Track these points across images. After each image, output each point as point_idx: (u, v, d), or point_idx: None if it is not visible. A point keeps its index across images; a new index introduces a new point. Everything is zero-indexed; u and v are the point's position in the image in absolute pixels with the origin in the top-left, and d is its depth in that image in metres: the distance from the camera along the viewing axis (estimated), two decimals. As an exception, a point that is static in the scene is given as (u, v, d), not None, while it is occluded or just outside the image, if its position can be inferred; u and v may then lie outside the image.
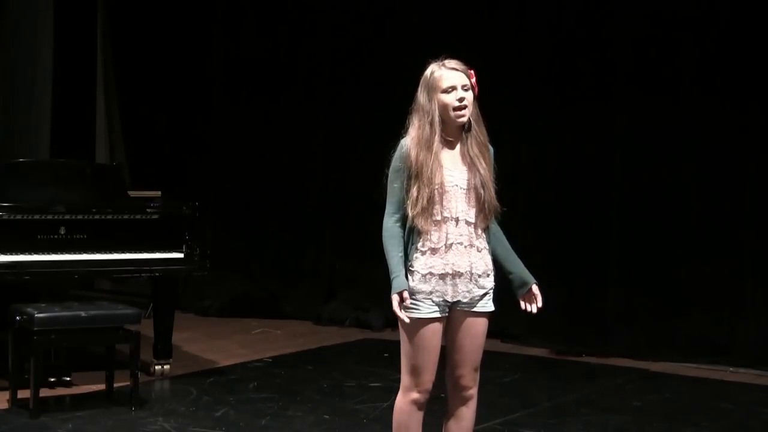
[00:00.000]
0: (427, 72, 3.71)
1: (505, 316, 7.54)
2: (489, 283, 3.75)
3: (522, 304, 3.81)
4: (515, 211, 7.54)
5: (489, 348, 7.53)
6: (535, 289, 3.79)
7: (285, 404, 5.68)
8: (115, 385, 5.66)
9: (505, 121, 7.58)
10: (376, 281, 8.16)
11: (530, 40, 7.68)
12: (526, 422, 5.38)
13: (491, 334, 7.84)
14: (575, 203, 7.49)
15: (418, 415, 3.76)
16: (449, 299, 3.69)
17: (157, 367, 6.28)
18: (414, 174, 3.63)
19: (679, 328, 7.16)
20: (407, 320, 3.63)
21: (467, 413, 3.84)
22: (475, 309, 3.73)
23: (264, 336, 7.88)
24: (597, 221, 7.45)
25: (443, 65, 3.69)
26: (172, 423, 5.25)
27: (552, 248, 7.53)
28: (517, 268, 3.83)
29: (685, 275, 7.14)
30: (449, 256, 3.64)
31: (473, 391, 3.82)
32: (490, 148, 3.78)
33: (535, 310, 3.78)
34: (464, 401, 3.82)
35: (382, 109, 8.14)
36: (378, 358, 6.93)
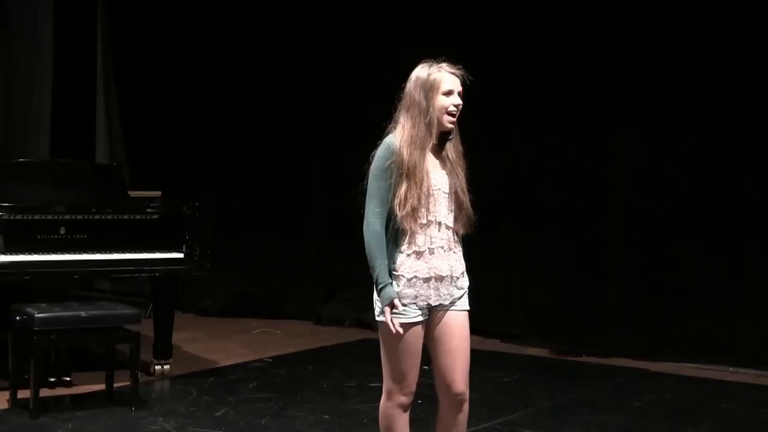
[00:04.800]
0: (423, 72, 3.69)
1: (505, 316, 7.63)
2: (466, 282, 3.77)
3: None
4: (516, 211, 7.61)
5: (489, 348, 7.57)
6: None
7: (285, 404, 5.68)
8: (115, 385, 5.66)
9: (505, 121, 7.61)
10: (376, 281, 8.20)
11: (530, 40, 7.67)
12: (526, 422, 5.38)
13: (491, 334, 7.86)
14: (575, 203, 7.49)
15: (405, 417, 3.76)
16: (432, 303, 3.69)
17: (157, 367, 6.28)
18: (405, 173, 3.61)
19: (679, 328, 7.16)
20: (400, 330, 3.61)
21: (462, 418, 3.80)
22: (454, 308, 3.72)
23: (264, 336, 7.88)
24: (597, 221, 7.45)
25: (441, 67, 3.68)
26: (172, 423, 5.26)
27: (552, 248, 7.53)
28: None
29: (685, 275, 7.14)
30: (433, 260, 3.65)
31: (467, 395, 3.78)
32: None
33: None
34: (459, 406, 3.76)
35: (382, 108, 8.13)
36: (378, 358, 6.88)
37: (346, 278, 8.59)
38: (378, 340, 3.79)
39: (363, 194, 3.72)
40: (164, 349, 6.31)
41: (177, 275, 6.38)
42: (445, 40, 7.47)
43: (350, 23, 8.46)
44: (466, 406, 3.79)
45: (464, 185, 3.70)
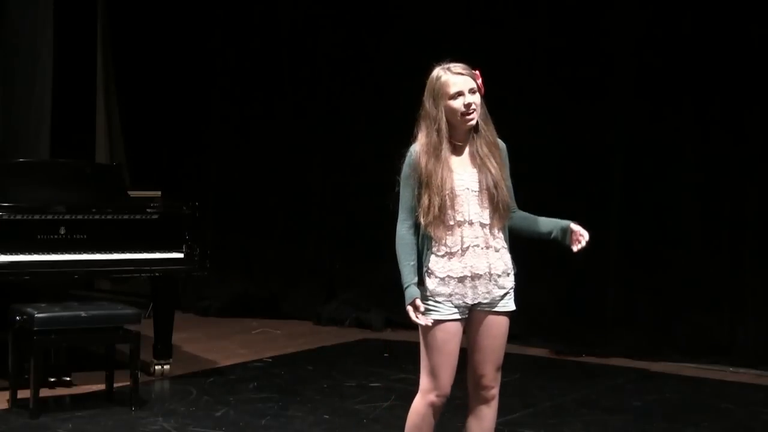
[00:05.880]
0: (433, 77, 3.68)
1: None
2: (509, 282, 3.75)
3: (574, 249, 3.76)
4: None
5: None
6: (574, 226, 3.77)
7: (285, 404, 5.68)
8: (115, 385, 5.66)
9: (505, 121, 7.59)
10: (376, 281, 8.21)
11: (530, 41, 7.67)
12: (526, 422, 5.38)
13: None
14: (575, 203, 7.47)
15: (432, 420, 3.75)
16: (469, 301, 3.68)
17: (157, 367, 6.28)
18: (424, 182, 3.62)
19: (679, 328, 7.16)
20: (429, 323, 3.62)
21: (489, 413, 3.82)
22: (495, 309, 3.72)
23: (264, 336, 7.88)
24: (597, 221, 7.40)
25: (449, 70, 3.67)
26: (172, 423, 5.26)
27: (552, 248, 7.51)
28: (551, 224, 3.83)
29: (685, 275, 7.14)
30: (467, 258, 3.64)
31: (495, 392, 3.81)
32: (502, 144, 3.79)
33: (584, 244, 3.74)
34: (486, 401, 3.80)
35: (383, 109, 8.15)
36: (378, 358, 6.93)
37: (346, 278, 8.60)
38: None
39: (397, 202, 3.73)
40: (164, 349, 6.31)
41: (177, 275, 6.38)
42: (446, 38, 7.51)
43: (353, 24, 8.46)
44: (494, 404, 3.82)
45: (498, 177, 3.68)
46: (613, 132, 7.40)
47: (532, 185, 7.62)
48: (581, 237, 3.76)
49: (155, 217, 6.11)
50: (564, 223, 3.81)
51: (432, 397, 3.71)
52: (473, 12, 7.87)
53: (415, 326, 3.70)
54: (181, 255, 6.12)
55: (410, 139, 3.73)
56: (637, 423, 5.46)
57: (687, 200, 7.18)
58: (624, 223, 7.38)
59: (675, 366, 6.89)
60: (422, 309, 3.61)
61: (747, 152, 6.99)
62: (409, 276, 3.64)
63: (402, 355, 6.85)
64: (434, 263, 3.65)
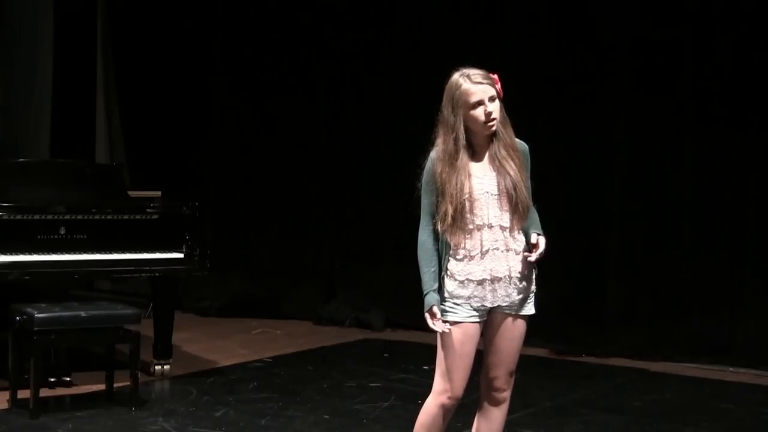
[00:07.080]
0: (452, 84, 3.67)
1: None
2: (530, 285, 3.74)
3: (529, 259, 3.68)
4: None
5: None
6: (533, 239, 3.69)
7: (285, 404, 5.68)
8: (115, 385, 5.66)
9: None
10: (376, 281, 8.22)
11: (530, 42, 7.67)
12: (526, 422, 5.38)
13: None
14: (575, 203, 7.49)
15: (441, 422, 3.74)
16: (488, 304, 3.68)
17: (157, 367, 6.28)
18: (440, 190, 3.63)
19: (679, 328, 7.16)
20: (446, 330, 3.63)
21: (498, 415, 3.85)
22: (515, 312, 3.72)
23: (264, 336, 7.88)
24: (597, 221, 7.45)
25: (468, 78, 3.65)
26: (172, 423, 5.26)
27: (552, 248, 7.51)
28: (531, 231, 3.75)
29: (685, 275, 7.14)
30: (486, 262, 3.64)
31: (506, 394, 3.84)
32: (524, 146, 3.79)
33: (534, 258, 3.66)
34: (497, 403, 3.83)
35: (383, 110, 8.15)
36: (378, 358, 6.92)
37: (346, 278, 8.60)
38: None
39: (419, 207, 3.74)
40: (164, 349, 6.31)
41: (177, 275, 6.38)
42: (446, 36, 7.51)
43: (354, 24, 8.45)
44: (504, 406, 3.85)
45: (517, 179, 3.66)
46: (613, 132, 7.39)
47: (531, 185, 7.67)
48: (535, 250, 3.68)
49: (155, 217, 6.11)
50: (530, 231, 3.74)
51: (443, 398, 3.71)
52: (473, 12, 7.86)
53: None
54: (181, 255, 6.12)
55: (429, 144, 3.73)
56: (637, 423, 5.46)
57: (687, 200, 7.18)
58: (624, 222, 7.37)
59: (675, 366, 6.89)
60: (439, 316, 3.62)
61: (747, 152, 6.99)
62: (429, 283, 3.65)
63: (402, 355, 6.85)
64: (454, 266, 3.66)
